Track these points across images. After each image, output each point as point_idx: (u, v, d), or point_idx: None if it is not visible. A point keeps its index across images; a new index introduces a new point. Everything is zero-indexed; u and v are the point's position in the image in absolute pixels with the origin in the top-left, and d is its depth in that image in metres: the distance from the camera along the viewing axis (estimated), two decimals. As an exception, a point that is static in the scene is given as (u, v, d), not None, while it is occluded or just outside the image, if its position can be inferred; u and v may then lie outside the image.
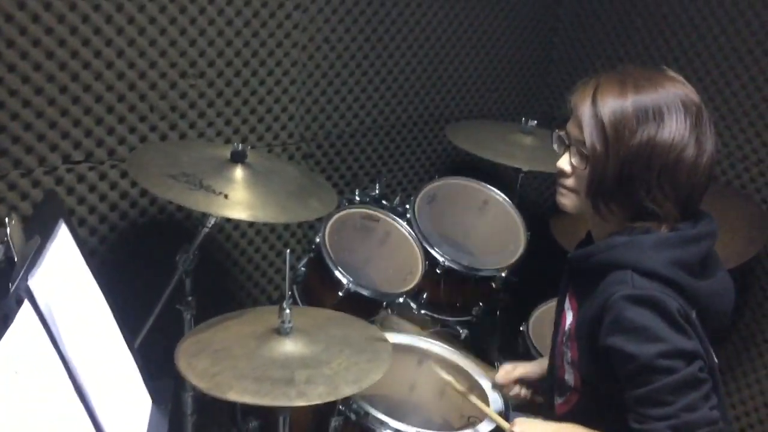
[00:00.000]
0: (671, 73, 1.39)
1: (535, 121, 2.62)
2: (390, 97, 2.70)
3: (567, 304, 1.53)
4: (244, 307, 2.31)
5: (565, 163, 1.43)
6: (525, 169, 2.55)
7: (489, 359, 2.36)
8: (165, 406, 1.40)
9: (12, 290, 0.97)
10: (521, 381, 1.77)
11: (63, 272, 1.19)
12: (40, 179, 1.95)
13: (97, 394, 1.14)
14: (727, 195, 2.54)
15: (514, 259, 2.37)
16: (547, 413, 1.61)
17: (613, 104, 1.33)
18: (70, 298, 1.19)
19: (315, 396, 1.41)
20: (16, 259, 1.02)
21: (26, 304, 1.00)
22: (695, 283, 1.34)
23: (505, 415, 1.73)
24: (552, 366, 1.58)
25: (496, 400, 1.79)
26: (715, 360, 1.37)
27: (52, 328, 1.05)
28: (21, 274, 1.01)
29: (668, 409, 1.26)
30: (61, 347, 1.06)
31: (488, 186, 2.53)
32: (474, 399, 1.77)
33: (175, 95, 2.13)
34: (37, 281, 1.05)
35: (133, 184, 2.11)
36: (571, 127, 1.41)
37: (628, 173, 1.33)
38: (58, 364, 1.04)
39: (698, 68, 2.60)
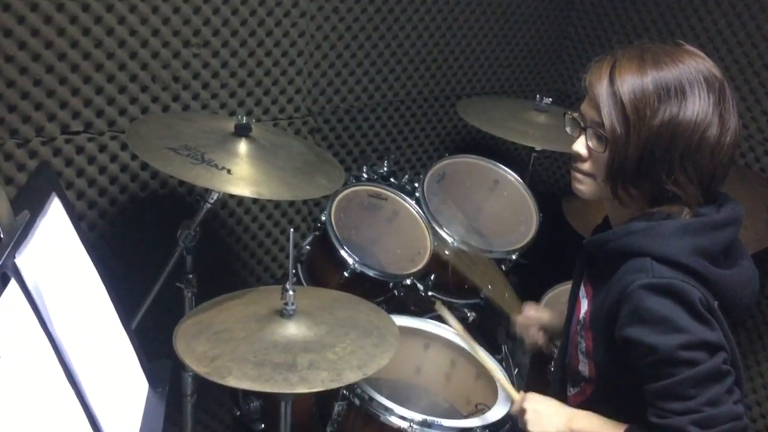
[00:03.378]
0: (691, 48, 1.31)
1: (550, 99, 2.54)
2: (400, 72, 2.62)
3: (582, 292, 1.47)
4: (247, 286, 2.26)
5: (581, 146, 1.35)
6: (538, 148, 2.47)
7: (495, 343, 2.32)
8: (162, 390, 1.35)
9: (-4, 268, 0.91)
10: (543, 327, 1.77)
11: (54, 250, 1.13)
12: (37, 149, 1.89)
13: (90, 377, 1.08)
14: (747, 179, 2.46)
15: (525, 242, 2.30)
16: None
17: (632, 82, 1.26)
18: (62, 277, 1.13)
19: (318, 382, 1.36)
20: (1, 235, 0.95)
21: (12, 282, 0.94)
22: (718, 272, 1.27)
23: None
24: (564, 355, 1.52)
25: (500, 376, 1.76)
26: (738, 352, 1.31)
27: (41, 309, 0.99)
28: (7, 251, 0.95)
29: (690, 403, 1.20)
30: (50, 329, 1.00)
31: (500, 165, 2.46)
32: (484, 361, 1.75)
33: (177, 65, 2.06)
34: (25, 259, 0.99)
35: (134, 156, 2.05)
36: (586, 108, 1.34)
37: (649, 155, 1.25)
38: (47, 346, 0.99)
39: (719, 46, 2.52)
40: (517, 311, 1.83)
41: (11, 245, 0.97)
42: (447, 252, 2.15)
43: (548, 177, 3.24)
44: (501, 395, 1.76)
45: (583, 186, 1.38)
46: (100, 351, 1.20)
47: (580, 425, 1.37)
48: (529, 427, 1.43)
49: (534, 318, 1.79)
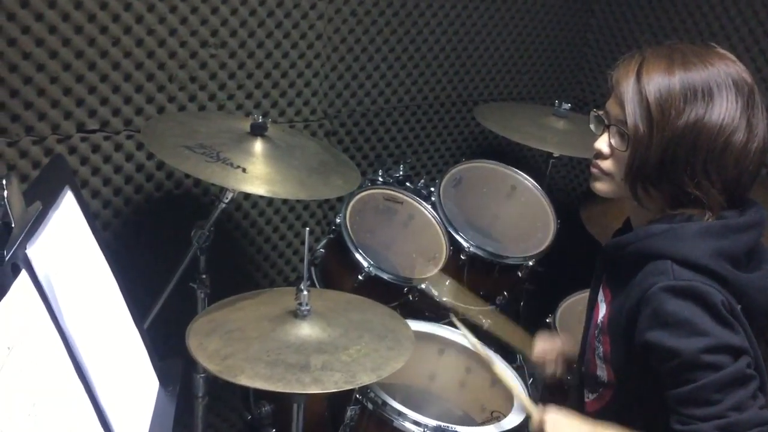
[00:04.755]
0: (721, 51, 1.29)
1: (569, 105, 2.51)
2: (417, 76, 2.60)
3: (600, 296, 1.44)
4: (260, 288, 2.24)
5: (603, 144, 1.33)
6: (556, 154, 2.44)
7: (511, 351, 2.28)
8: (173, 388, 1.33)
9: (7, 258, 0.89)
10: (560, 355, 1.71)
11: (66, 243, 1.12)
12: (52, 147, 1.88)
13: (99, 373, 1.06)
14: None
15: (542, 248, 2.27)
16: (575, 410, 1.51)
17: (659, 81, 1.24)
18: (73, 271, 1.12)
19: (331, 384, 1.33)
20: (13, 225, 0.94)
21: (23, 274, 0.92)
22: (740, 275, 1.24)
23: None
24: (582, 361, 1.49)
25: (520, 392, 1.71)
26: (761, 357, 1.27)
27: (52, 302, 0.98)
28: (19, 241, 0.93)
29: (714, 408, 1.16)
30: (60, 322, 0.99)
31: (517, 171, 2.44)
32: (501, 373, 1.71)
33: (194, 65, 2.05)
34: (36, 250, 0.98)
35: (150, 156, 2.04)
36: (611, 105, 1.32)
37: (671, 157, 1.23)
38: (57, 340, 0.97)
39: (742, 54, 2.48)
40: (529, 347, 1.76)
41: (22, 235, 0.95)
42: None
43: (566, 184, 3.21)
44: (516, 403, 1.73)
45: (602, 184, 1.36)
46: (110, 347, 1.18)
47: None
48: None
49: (549, 350, 1.72)
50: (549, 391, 2.02)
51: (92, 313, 1.14)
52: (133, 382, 1.24)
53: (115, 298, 1.28)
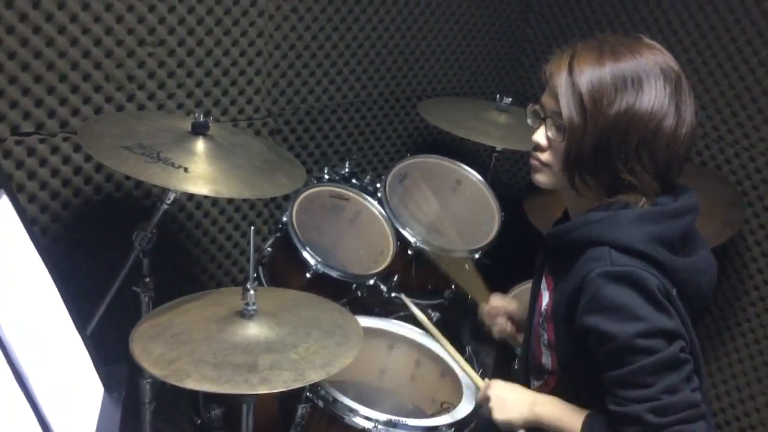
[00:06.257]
0: (649, 41, 1.34)
1: (510, 99, 2.55)
2: (360, 72, 2.60)
3: (543, 285, 1.48)
4: (207, 290, 2.21)
5: (540, 136, 1.36)
6: (499, 147, 2.48)
7: (460, 343, 2.31)
8: (118, 394, 1.30)
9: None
10: (510, 317, 1.77)
11: (1, 249, 1.08)
12: (-15, 151, 1.83)
13: (40, 381, 1.03)
14: (702, 176, 2.50)
15: (487, 241, 2.30)
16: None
17: (590, 73, 1.27)
18: (9, 278, 1.08)
19: (279, 383, 1.33)
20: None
21: (-45, 282, 0.89)
22: (675, 260, 1.29)
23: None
24: (527, 349, 1.52)
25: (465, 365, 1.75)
26: (697, 340, 1.32)
27: (-14, 310, 0.94)
28: (-51, 248, 0.90)
29: (648, 390, 1.21)
30: (-4, 330, 0.96)
31: (461, 165, 2.46)
32: (449, 348, 1.78)
33: (132, 64, 2.01)
34: (-32, 257, 0.95)
35: (88, 158, 1.99)
36: (546, 98, 1.35)
37: (605, 144, 1.27)
38: (-7, 348, 0.94)
39: (673, 45, 2.55)
40: (485, 300, 1.83)
41: (-46, 242, 0.92)
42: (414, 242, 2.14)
43: (510, 177, 3.26)
44: (466, 393, 1.75)
45: (542, 176, 1.39)
46: (51, 354, 1.15)
47: (543, 409, 1.38)
48: (494, 414, 1.43)
49: (501, 308, 1.78)
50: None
51: (31, 320, 1.11)
52: (75, 389, 1.21)
53: (55, 305, 1.24)
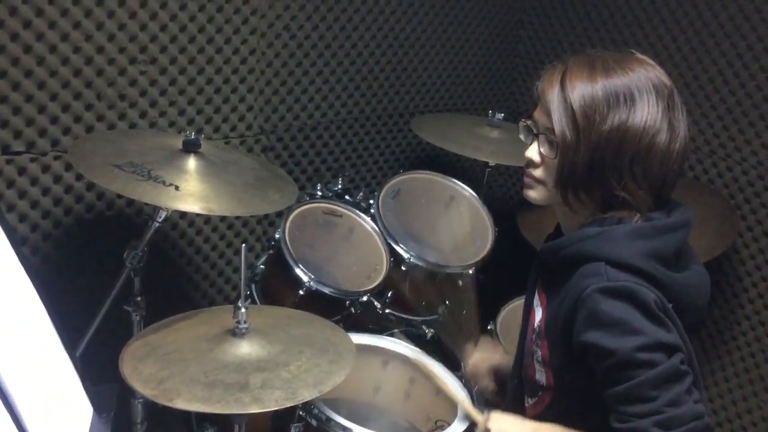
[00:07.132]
0: (641, 56, 1.34)
1: (502, 114, 2.56)
2: (353, 89, 2.61)
3: (536, 301, 1.47)
4: (200, 308, 2.20)
5: (533, 152, 1.36)
6: (492, 162, 2.48)
7: (455, 359, 2.29)
8: (107, 414, 1.29)
9: None
10: (494, 370, 1.73)
11: (-12, 268, 1.07)
12: (-24, 171, 1.82)
13: (27, 402, 1.02)
14: (696, 190, 2.51)
15: (481, 256, 2.30)
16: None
17: (582, 89, 1.27)
18: (-4, 297, 1.07)
19: (271, 402, 1.31)
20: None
21: (-60, 303, 0.88)
22: (670, 275, 1.28)
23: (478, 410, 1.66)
24: (520, 366, 1.50)
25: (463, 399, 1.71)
26: (693, 355, 1.31)
27: (-28, 331, 0.93)
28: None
29: (651, 405, 1.19)
30: (-18, 351, 0.94)
31: (454, 180, 2.46)
32: (444, 385, 1.72)
33: (124, 82, 2.01)
34: (-46, 277, 0.93)
35: (79, 177, 1.99)
36: (538, 114, 1.34)
37: (599, 161, 1.26)
38: (-22, 370, 0.93)
39: (665, 61, 2.57)
40: (468, 356, 1.79)
41: (-61, 263, 0.91)
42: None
43: (503, 192, 3.26)
44: (460, 411, 1.73)
45: (535, 192, 1.38)
46: (38, 375, 1.13)
47: None
48: None
49: (483, 364, 1.74)
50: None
51: (17, 339, 1.10)
52: (64, 411, 1.19)
53: (44, 325, 1.23)
